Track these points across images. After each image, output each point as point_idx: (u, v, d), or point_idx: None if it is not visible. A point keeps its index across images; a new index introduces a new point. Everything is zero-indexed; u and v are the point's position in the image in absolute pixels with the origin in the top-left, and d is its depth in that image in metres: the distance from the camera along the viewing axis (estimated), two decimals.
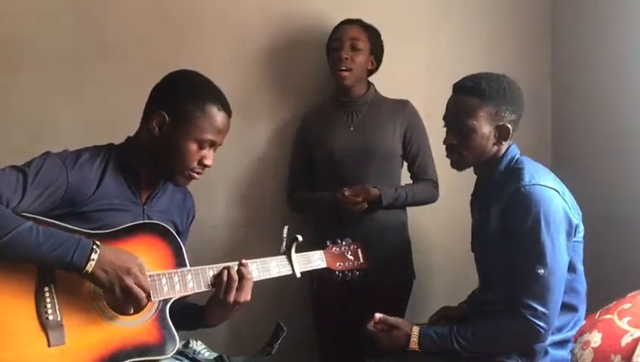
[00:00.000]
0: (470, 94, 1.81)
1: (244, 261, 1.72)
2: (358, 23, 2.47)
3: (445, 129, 1.89)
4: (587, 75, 2.77)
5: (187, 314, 1.73)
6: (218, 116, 1.68)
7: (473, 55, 2.79)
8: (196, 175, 1.72)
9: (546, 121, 2.92)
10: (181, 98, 1.67)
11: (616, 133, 2.62)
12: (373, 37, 2.47)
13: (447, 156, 1.89)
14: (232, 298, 1.66)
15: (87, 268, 1.46)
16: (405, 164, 2.52)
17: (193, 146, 1.66)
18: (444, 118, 1.88)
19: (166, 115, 1.66)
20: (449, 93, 1.90)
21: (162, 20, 2.43)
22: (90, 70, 2.34)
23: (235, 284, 1.67)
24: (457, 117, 1.83)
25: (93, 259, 1.46)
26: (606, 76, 2.67)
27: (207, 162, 1.70)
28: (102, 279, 1.48)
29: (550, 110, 2.93)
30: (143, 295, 1.52)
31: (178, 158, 1.67)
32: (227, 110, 1.71)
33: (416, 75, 2.70)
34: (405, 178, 2.53)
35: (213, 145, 1.70)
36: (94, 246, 1.48)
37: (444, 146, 1.88)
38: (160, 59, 2.31)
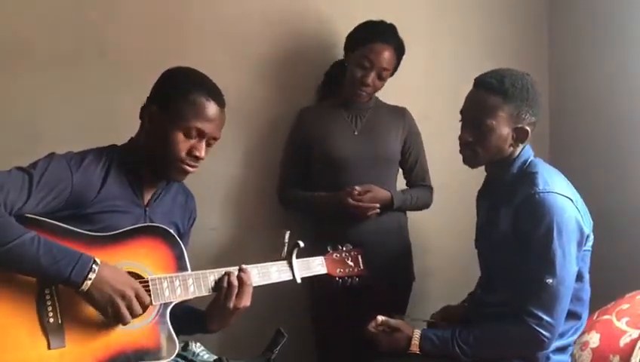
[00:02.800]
0: (492, 92, 1.75)
1: (244, 266, 1.72)
2: (392, 42, 2.35)
3: (459, 125, 1.84)
4: (584, 77, 2.78)
5: (188, 319, 1.74)
6: (206, 104, 1.67)
7: (471, 58, 2.78)
8: (189, 168, 1.70)
9: (544, 123, 2.93)
10: (169, 89, 1.68)
11: (613, 134, 2.63)
12: (399, 58, 2.40)
13: (461, 152, 1.84)
14: (232, 303, 1.67)
15: (83, 286, 1.46)
16: (401, 170, 2.52)
17: (179, 135, 1.65)
18: (462, 112, 1.83)
19: (156, 108, 1.67)
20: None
21: (161, 21, 2.41)
22: (90, 71, 2.33)
23: (235, 290, 1.67)
24: (476, 114, 1.77)
25: (90, 279, 1.46)
26: (603, 78, 2.68)
27: (198, 153, 1.68)
28: (96, 299, 1.48)
29: (548, 112, 2.93)
30: (129, 320, 1.51)
31: (166, 148, 1.66)
32: (218, 100, 1.70)
33: (414, 78, 2.69)
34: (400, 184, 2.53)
35: (201, 134, 1.68)
36: (93, 265, 1.47)
37: (454, 144, 1.84)
38: (159, 59, 2.26)
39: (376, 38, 2.33)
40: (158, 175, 1.75)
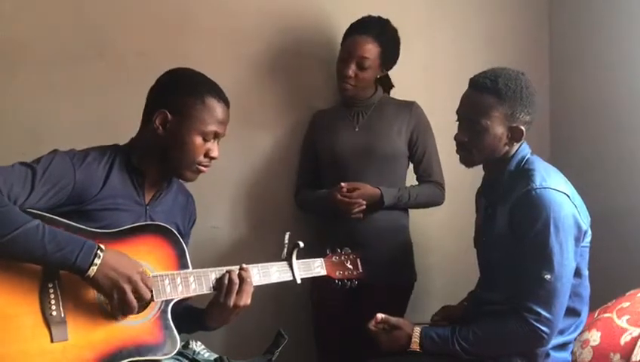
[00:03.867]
0: (486, 92, 1.77)
1: (244, 265, 1.73)
2: (372, 32, 2.34)
3: (457, 123, 1.86)
4: (585, 72, 2.79)
5: (187, 317, 1.74)
6: (218, 107, 1.71)
7: (471, 54, 2.80)
8: (204, 168, 1.74)
9: (544, 119, 2.93)
10: (180, 94, 1.69)
11: (614, 133, 2.63)
12: (386, 47, 2.38)
13: (457, 152, 1.86)
14: (232, 301, 1.67)
15: (89, 271, 1.47)
16: (411, 165, 2.50)
17: (198, 139, 1.69)
18: (458, 112, 1.86)
19: (168, 113, 1.68)
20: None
21: (162, 22, 2.42)
22: (90, 71, 2.32)
23: (236, 288, 1.68)
24: (471, 114, 1.79)
25: (96, 264, 1.47)
26: (604, 74, 2.69)
27: (214, 154, 1.73)
28: (102, 284, 1.49)
29: (548, 108, 2.94)
30: (135, 305, 1.52)
31: (185, 153, 1.69)
32: (225, 101, 1.74)
33: (414, 75, 2.70)
34: (410, 180, 2.51)
35: (216, 136, 1.73)
36: (98, 251, 1.48)
37: (454, 142, 1.85)
38: (159, 59, 2.27)
39: (354, 32, 2.38)
40: (167, 175, 1.77)
